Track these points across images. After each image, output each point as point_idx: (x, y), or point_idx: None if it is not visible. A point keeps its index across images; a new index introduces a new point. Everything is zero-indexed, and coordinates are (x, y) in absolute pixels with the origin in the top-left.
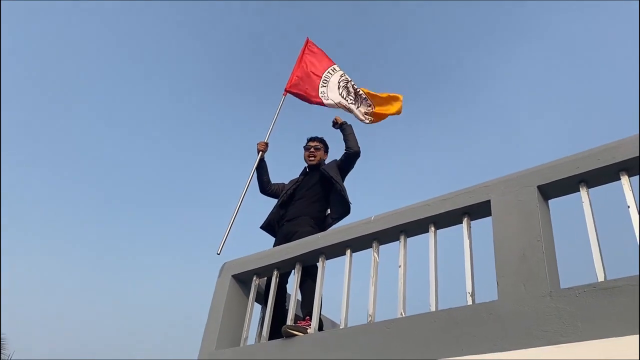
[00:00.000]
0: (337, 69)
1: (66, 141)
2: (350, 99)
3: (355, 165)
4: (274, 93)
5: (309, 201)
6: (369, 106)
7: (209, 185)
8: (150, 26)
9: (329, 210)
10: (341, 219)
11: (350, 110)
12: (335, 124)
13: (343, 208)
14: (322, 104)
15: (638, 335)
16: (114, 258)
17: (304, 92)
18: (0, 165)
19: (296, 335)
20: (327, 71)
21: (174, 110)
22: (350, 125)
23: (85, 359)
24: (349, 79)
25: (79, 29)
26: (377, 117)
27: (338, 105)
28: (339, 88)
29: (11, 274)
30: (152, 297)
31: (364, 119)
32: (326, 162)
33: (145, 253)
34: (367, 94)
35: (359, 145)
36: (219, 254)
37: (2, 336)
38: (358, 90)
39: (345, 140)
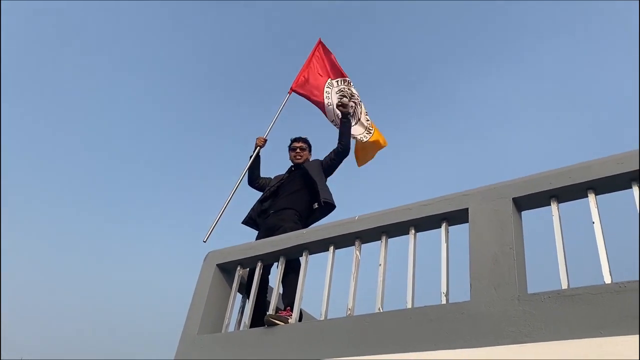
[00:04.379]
0: (345, 81)
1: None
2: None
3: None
4: (279, 90)
5: (296, 195)
6: (367, 132)
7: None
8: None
9: (316, 204)
10: (325, 216)
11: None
12: (343, 107)
13: (326, 207)
14: (323, 106)
15: (638, 336)
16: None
17: (309, 93)
18: (0, 166)
19: (278, 324)
20: (334, 80)
21: (179, 100)
22: (350, 120)
23: (81, 359)
24: (354, 94)
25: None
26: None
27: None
28: (339, 97)
29: None
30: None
31: (357, 137)
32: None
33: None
34: (371, 125)
35: (348, 144)
36: (205, 242)
37: None
38: (360, 110)
39: (341, 133)
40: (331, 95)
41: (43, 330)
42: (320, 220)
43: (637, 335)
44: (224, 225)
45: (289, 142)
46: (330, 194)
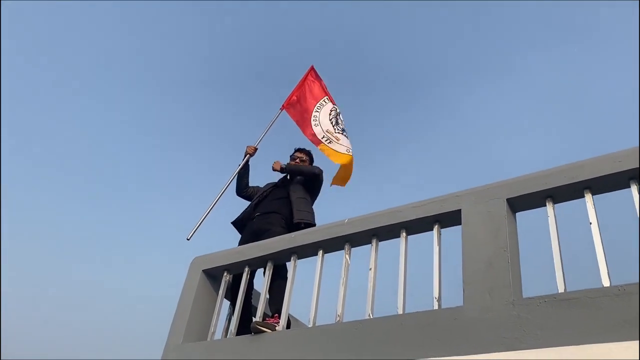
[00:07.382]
0: (330, 101)
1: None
2: (338, 129)
3: (321, 186)
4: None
5: (283, 201)
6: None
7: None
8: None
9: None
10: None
11: (337, 139)
12: (275, 170)
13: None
14: (308, 126)
15: (638, 342)
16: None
17: (297, 115)
18: (0, 171)
19: (264, 331)
20: (323, 99)
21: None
22: (288, 164)
23: (78, 359)
24: (339, 113)
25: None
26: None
27: (321, 137)
28: (329, 117)
29: None
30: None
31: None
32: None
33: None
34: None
35: (312, 170)
36: (188, 240)
37: None
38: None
39: (298, 175)
40: (319, 115)
41: (42, 330)
42: None
43: (637, 342)
44: (210, 226)
45: (293, 150)
46: (308, 213)
